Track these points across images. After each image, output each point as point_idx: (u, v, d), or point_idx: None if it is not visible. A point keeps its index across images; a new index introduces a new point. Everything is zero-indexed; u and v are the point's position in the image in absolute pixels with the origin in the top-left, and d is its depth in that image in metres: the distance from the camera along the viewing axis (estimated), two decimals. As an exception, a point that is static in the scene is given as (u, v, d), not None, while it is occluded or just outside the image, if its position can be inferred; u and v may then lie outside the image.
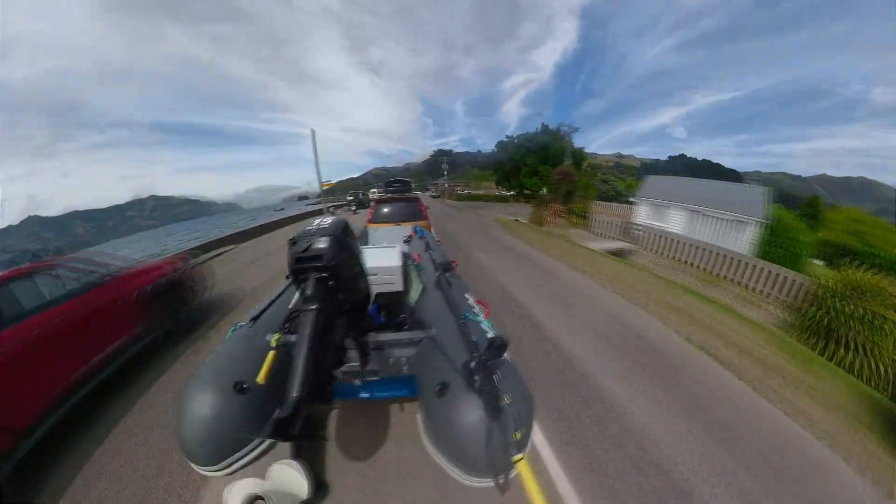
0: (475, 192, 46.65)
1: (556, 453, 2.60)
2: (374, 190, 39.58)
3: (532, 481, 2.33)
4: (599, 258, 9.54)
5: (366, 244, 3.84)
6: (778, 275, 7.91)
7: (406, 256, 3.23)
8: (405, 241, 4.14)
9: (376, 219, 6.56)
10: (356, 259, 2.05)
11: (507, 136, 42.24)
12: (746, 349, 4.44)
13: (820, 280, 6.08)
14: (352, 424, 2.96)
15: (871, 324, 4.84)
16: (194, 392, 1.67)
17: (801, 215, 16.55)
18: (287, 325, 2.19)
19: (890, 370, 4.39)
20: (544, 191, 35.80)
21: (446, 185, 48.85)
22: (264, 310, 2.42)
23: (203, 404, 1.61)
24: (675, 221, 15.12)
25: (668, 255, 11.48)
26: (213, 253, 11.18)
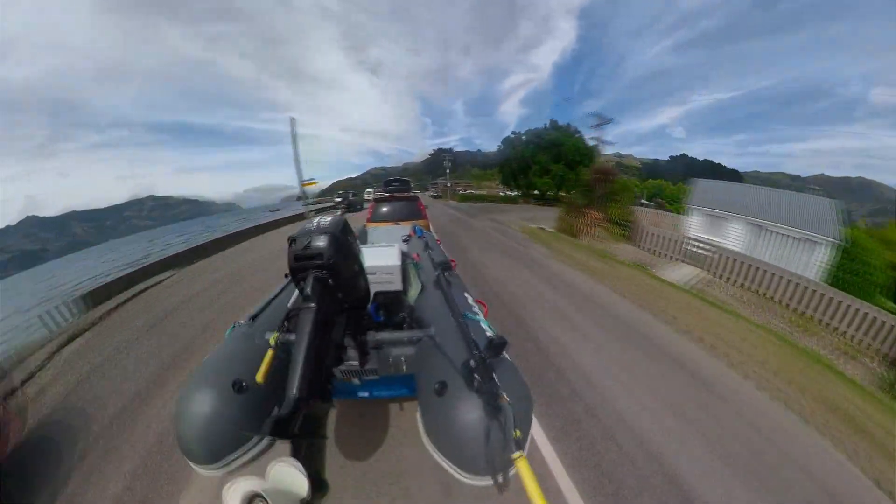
0: (477, 192, 45.04)
1: None
2: (370, 190, 38.13)
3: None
4: (691, 301, 7.34)
5: (365, 243, 3.84)
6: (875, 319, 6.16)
7: (405, 255, 3.23)
8: (404, 241, 4.14)
9: (375, 218, 6.58)
10: (355, 258, 2.05)
11: (513, 133, 39.07)
12: None
13: None
14: (351, 423, 2.96)
15: None
16: (193, 391, 1.67)
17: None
18: (286, 323, 2.19)
19: None
20: (556, 192, 32.99)
21: (448, 185, 46.49)
22: (263, 308, 2.41)
23: (201, 403, 1.61)
24: (734, 237, 12.81)
25: (743, 285, 9.20)
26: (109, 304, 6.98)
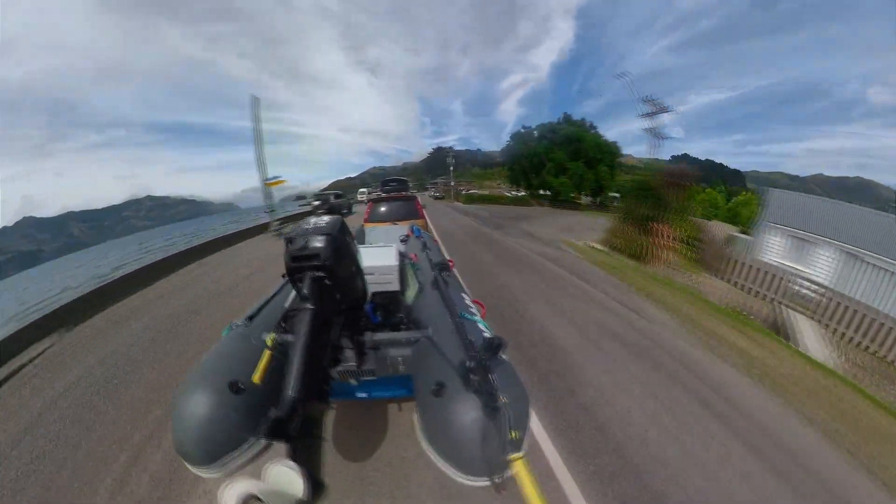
0: (480, 192, 42.49)
1: None
2: (364, 190, 35.70)
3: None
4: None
5: (362, 243, 3.83)
6: None
7: (403, 256, 3.23)
8: (402, 241, 4.13)
9: (373, 218, 6.57)
10: (353, 258, 2.04)
11: (523, 127, 34.84)
12: None
13: None
14: (348, 424, 2.95)
15: None
16: (189, 392, 1.66)
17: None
18: (283, 324, 2.19)
19: None
20: (575, 193, 29.38)
21: (452, 184, 43.70)
22: (260, 309, 2.41)
23: (198, 404, 1.61)
24: (822, 266, 10.42)
25: (868, 348, 6.97)
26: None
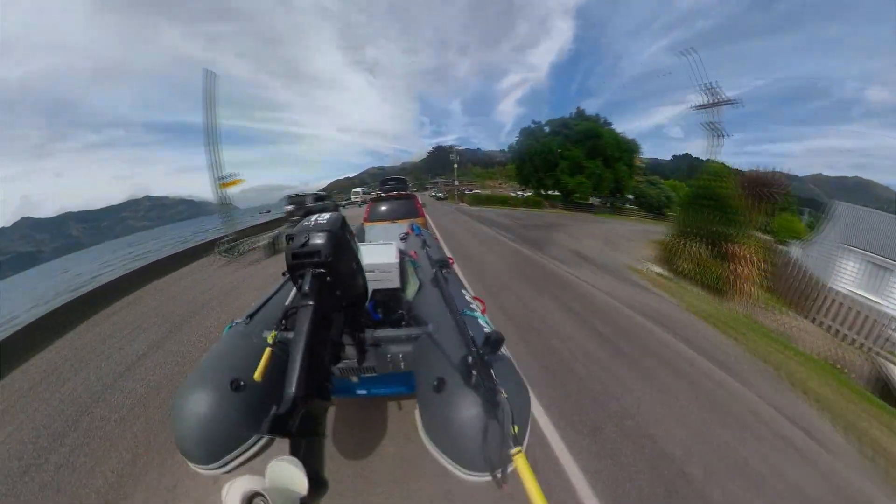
0: (482, 191, 40.51)
1: None
2: (357, 190, 33.90)
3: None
4: None
5: (362, 241, 3.84)
6: None
7: (403, 253, 3.23)
8: (402, 238, 4.14)
9: (373, 216, 6.59)
10: (354, 255, 2.05)
11: (532, 122, 31.93)
12: None
13: None
14: (350, 421, 2.96)
15: None
16: (190, 390, 1.66)
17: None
18: (284, 321, 2.19)
19: None
20: (592, 193, 26.93)
21: (456, 184, 41.00)
22: (261, 307, 2.41)
23: (199, 402, 1.61)
24: None
25: None
26: None
